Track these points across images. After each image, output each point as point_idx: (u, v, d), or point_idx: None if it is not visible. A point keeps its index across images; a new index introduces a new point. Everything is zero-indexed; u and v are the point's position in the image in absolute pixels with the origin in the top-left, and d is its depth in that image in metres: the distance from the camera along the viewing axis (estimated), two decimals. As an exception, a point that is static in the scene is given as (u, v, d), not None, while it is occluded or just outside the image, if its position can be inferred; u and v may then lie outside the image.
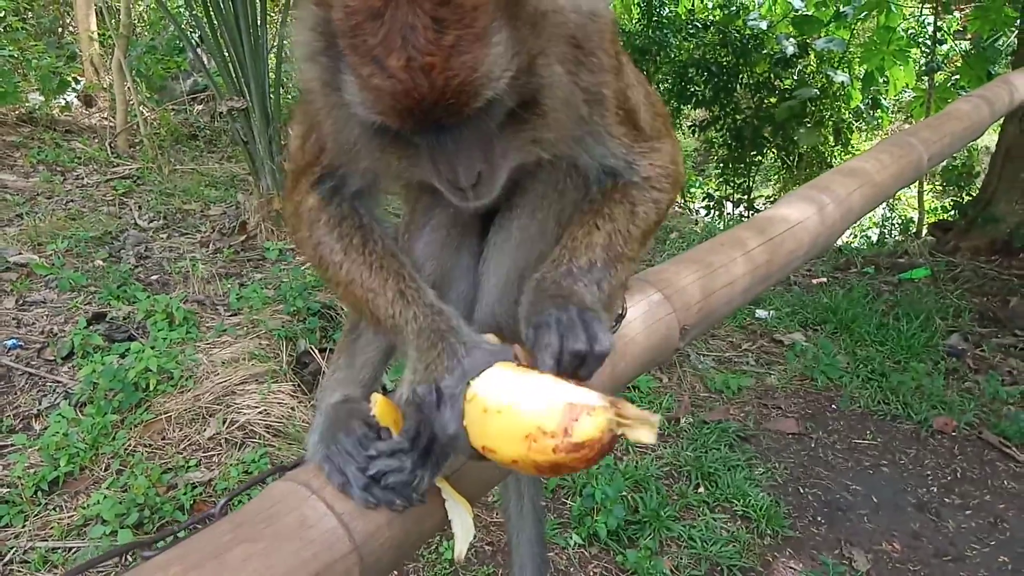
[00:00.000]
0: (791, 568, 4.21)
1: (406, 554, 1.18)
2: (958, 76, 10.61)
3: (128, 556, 3.38)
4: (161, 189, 7.53)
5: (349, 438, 1.16)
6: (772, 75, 11.68)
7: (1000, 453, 5.37)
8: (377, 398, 1.19)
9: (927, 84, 10.71)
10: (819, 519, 4.63)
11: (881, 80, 11.08)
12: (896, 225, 10.67)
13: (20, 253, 5.99)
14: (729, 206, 12.20)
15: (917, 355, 6.45)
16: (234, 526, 1.01)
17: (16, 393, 4.59)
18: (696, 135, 12.96)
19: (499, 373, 1.04)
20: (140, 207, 7.19)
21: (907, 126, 17.26)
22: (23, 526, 3.74)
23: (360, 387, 1.38)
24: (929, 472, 5.15)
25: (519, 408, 0.96)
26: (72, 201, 7.20)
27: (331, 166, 1.24)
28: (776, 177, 12.91)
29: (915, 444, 5.41)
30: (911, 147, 2.52)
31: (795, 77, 11.70)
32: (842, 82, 11.10)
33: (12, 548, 3.63)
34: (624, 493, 4.41)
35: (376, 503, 1.09)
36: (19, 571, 3.54)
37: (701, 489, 4.67)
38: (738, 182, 12.30)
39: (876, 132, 12.90)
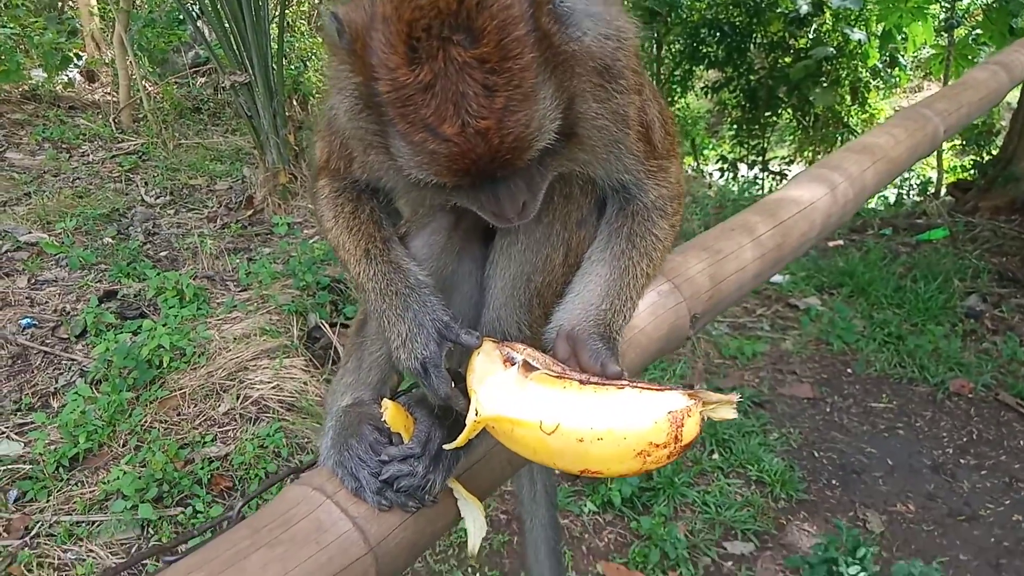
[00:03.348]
0: (805, 531, 4.22)
1: (420, 552, 1.19)
2: (979, 32, 10.33)
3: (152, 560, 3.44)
4: (167, 164, 7.50)
5: (361, 443, 1.17)
6: (787, 34, 11.39)
7: (1017, 414, 5.32)
8: (388, 404, 1.20)
9: (947, 41, 10.43)
10: (833, 482, 4.63)
11: (899, 37, 10.80)
12: (914, 185, 10.48)
13: (30, 232, 6.00)
14: (743, 168, 12.02)
15: (934, 317, 6.38)
16: (252, 531, 1.02)
17: (33, 372, 4.63)
18: (709, 96, 12.73)
19: (550, 393, 1.03)
20: (146, 183, 7.18)
21: (926, 83, 16.88)
22: (47, 501, 3.79)
23: (369, 389, 1.37)
24: (945, 434, 5.12)
25: (622, 429, 0.97)
26: (79, 179, 7.19)
27: (353, 174, 1.29)
28: (791, 138, 12.68)
29: (931, 407, 5.37)
30: (926, 119, 2.44)
31: (810, 36, 11.41)
32: (859, 40, 10.82)
33: (38, 522, 3.69)
34: (638, 461, 4.41)
35: (389, 506, 1.10)
36: (46, 544, 3.61)
37: (715, 455, 4.67)
38: (752, 144, 12.08)
39: (894, 91, 12.62)
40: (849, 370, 5.76)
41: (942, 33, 10.74)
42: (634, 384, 1.04)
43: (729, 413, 1.01)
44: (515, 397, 1.05)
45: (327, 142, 1.31)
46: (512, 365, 1.10)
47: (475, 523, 1.19)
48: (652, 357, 1.62)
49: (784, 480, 4.45)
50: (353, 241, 1.27)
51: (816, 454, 4.85)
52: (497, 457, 1.21)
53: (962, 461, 4.90)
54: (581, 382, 1.05)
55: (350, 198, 1.30)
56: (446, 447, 1.11)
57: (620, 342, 1.25)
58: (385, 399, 1.25)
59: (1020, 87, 8.53)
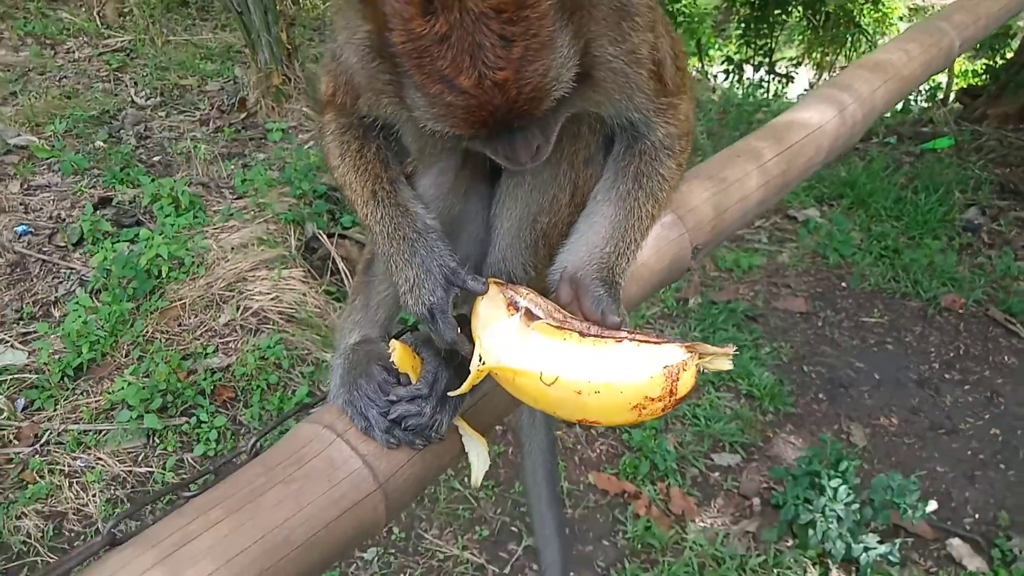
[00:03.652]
0: (790, 443, 4.38)
1: (427, 485, 1.25)
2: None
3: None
4: (156, 63, 7.25)
5: (370, 383, 1.19)
6: (801, -75, 10.82)
7: (1004, 330, 5.42)
8: (396, 345, 1.22)
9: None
10: (821, 396, 4.77)
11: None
12: (923, 91, 10.19)
13: (19, 135, 5.87)
14: (749, 70, 11.66)
15: (932, 230, 6.38)
16: (266, 469, 1.07)
17: (32, 280, 4.65)
18: (717, -8, 12.21)
19: (551, 344, 1.05)
20: (136, 83, 6.96)
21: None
22: (54, 410, 3.91)
23: (377, 327, 1.40)
24: (933, 349, 5.23)
25: (618, 383, 0.99)
26: (65, 77, 6.97)
27: (361, 110, 1.26)
28: (801, 38, 12.24)
29: (921, 322, 5.45)
30: (942, 33, 2.33)
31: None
32: (877, -69, 10.27)
33: (47, 430, 3.81)
34: (631, 374, 4.52)
35: (397, 444, 1.14)
36: (55, 451, 3.74)
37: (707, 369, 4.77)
38: (760, 44, 11.67)
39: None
40: (843, 284, 5.81)
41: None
42: (633, 336, 1.06)
43: (725, 364, 1.04)
44: (517, 346, 1.07)
45: (332, 76, 1.28)
46: (516, 310, 1.11)
47: (479, 457, 1.23)
48: (653, 289, 1.65)
49: (773, 394, 4.57)
50: (360, 181, 1.26)
51: (805, 368, 4.96)
52: (500, 395, 1.26)
53: (947, 376, 5.02)
54: (581, 333, 1.07)
55: (356, 135, 1.28)
56: (451, 394, 1.15)
57: (623, 285, 1.26)
58: (393, 340, 1.27)
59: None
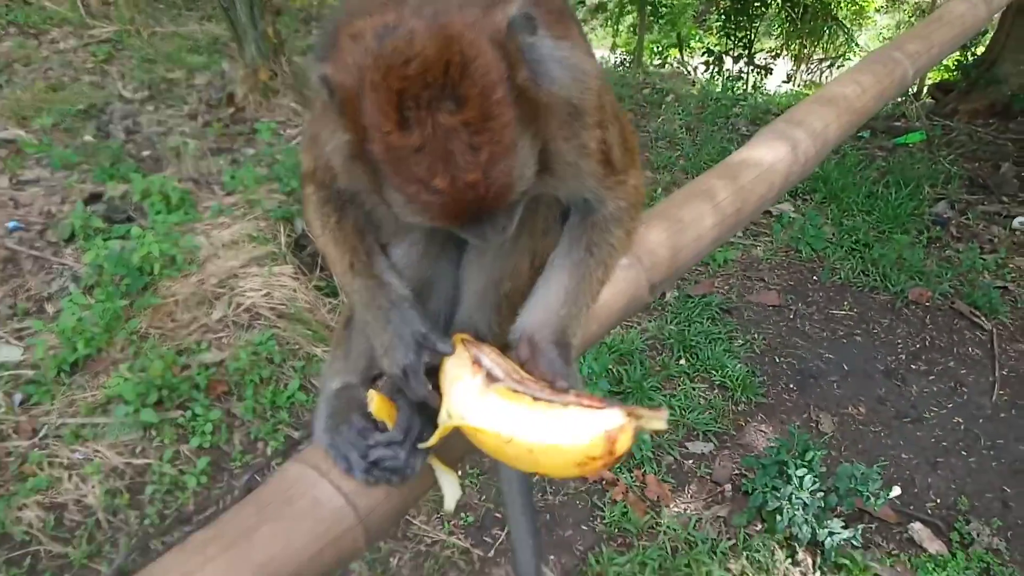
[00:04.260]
0: (761, 432, 4.58)
1: (403, 515, 1.38)
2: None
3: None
4: (143, 55, 7.29)
5: (351, 430, 1.33)
6: (781, -83, 10.95)
7: (969, 322, 5.66)
8: (373, 395, 1.36)
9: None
10: (791, 386, 4.98)
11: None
12: (912, 83, 10.41)
13: (6, 128, 5.92)
14: (729, 62, 11.83)
15: (902, 224, 6.60)
16: (258, 508, 1.19)
17: (25, 276, 4.74)
18: (698, -16, 12.33)
19: (507, 407, 1.21)
20: (123, 76, 7.00)
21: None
22: (52, 404, 4.02)
23: (356, 374, 1.52)
24: (900, 341, 5.45)
25: (564, 445, 1.15)
26: (50, 69, 7.00)
27: (339, 184, 1.36)
28: (779, 31, 12.43)
29: (890, 314, 5.68)
30: (895, 63, 2.46)
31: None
32: (855, -74, 10.43)
33: (44, 424, 3.93)
34: (610, 367, 4.70)
35: (376, 482, 1.28)
36: (54, 444, 3.86)
37: (683, 361, 4.97)
38: (739, 36, 11.85)
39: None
40: (815, 277, 6.02)
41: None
42: (579, 400, 1.21)
43: (660, 425, 1.17)
44: (479, 406, 1.22)
45: (312, 156, 1.39)
46: (480, 368, 1.27)
47: (450, 489, 1.38)
48: (612, 325, 1.76)
49: (745, 385, 4.77)
50: (339, 252, 1.38)
51: (777, 359, 5.17)
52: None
53: (913, 367, 5.25)
54: (534, 397, 1.23)
55: (336, 207, 1.39)
56: (420, 446, 1.29)
57: (575, 344, 1.41)
58: (371, 391, 1.40)
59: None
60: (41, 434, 3.89)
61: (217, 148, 6.06)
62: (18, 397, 4.05)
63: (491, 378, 1.26)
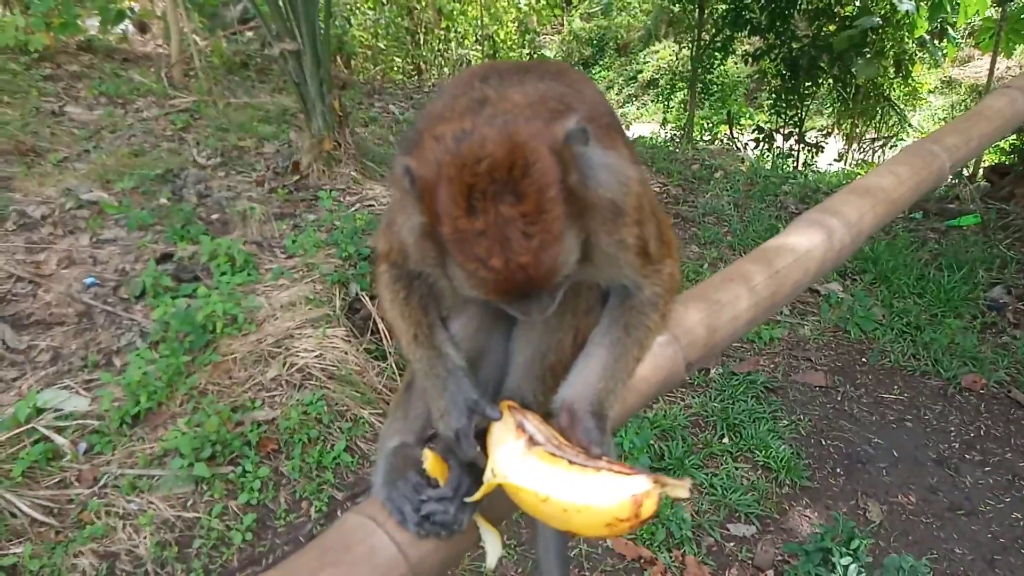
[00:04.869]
0: (806, 517, 4.50)
1: (449, 567, 1.50)
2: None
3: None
4: (217, 124, 7.77)
5: (406, 485, 1.48)
6: (832, 1, 11.18)
7: (1026, 412, 5.49)
8: (428, 454, 1.51)
9: (1000, 14, 10.16)
10: (838, 471, 4.88)
11: (950, 8, 10.54)
12: (948, 176, 10.36)
13: (91, 191, 6.35)
14: (779, 139, 11.95)
15: (955, 308, 6.50)
16: (320, 553, 1.31)
17: (97, 330, 5.02)
18: (749, 63, 12.58)
19: (546, 468, 1.33)
20: (198, 143, 7.47)
21: (976, 52, 16.34)
22: (112, 454, 4.21)
23: (413, 434, 1.69)
24: (953, 429, 5.32)
25: (596, 506, 1.27)
26: (134, 136, 7.51)
27: (409, 266, 1.55)
28: (831, 110, 12.54)
29: (941, 400, 5.56)
30: (933, 156, 2.53)
31: (857, 4, 11.18)
32: (907, 11, 10.59)
33: (105, 474, 4.11)
34: (651, 442, 4.71)
35: (427, 534, 1.40)
36: (112, 494, 4.03)
37: (726, 439, 4.94)
38: (790, 114, 11.99)
39: (940, 64, 12.32)
40: (864, 359, 5.95)
41: (997, 7, 10.44)
42: (610, 467, 1.33)
43: (683, 493, 1.29)
44: (520, 467, 1.35)
45: (387, 238, 1.57)
46: (523, 433, 1.40)
47: (492, 546, 1.50)
48: (649, 399, 1.87)
49: (790, 467, 4.71)
50: (405, 325, 1.56)
51: (823, 442, 5.09)
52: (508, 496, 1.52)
53: (967, 456, 5.10)
54: (570, 461, 1.34)
55: (405, 285, 1.57)
56: (467, 499, 1.42)
57: (610, 417, 1.52)
58: (426, 450, 1.55)
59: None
60: (101, 483, 4.07)
61: (281, 213, 6.38)
62: (83, 446, 4.25)
63: (532, 442, 1.38)
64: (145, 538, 3.85)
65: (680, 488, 1.27)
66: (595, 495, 1.27)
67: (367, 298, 5.26)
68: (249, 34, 9.93)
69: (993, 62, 10.98)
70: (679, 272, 1.64)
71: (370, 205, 6.59)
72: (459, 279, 1.28)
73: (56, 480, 4.04)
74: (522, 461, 1.34)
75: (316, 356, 4.79)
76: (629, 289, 1.54)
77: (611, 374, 1.52)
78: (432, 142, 1.24)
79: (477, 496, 1.38)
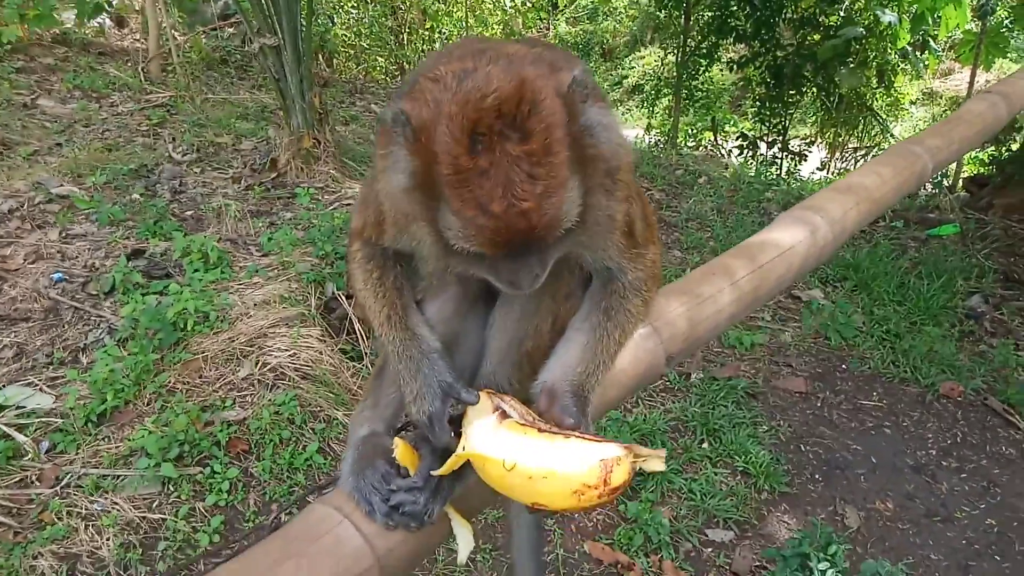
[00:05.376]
0: (784, 522, 4.46)
1: (419, 561, 1.43)
2: (1013, 20, 10.17)
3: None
4: (194, 120, 7.65)
5: (375, 475, 1.40)
6: (817, 11, 11.26)
7: (1003, 420, 5.50)
8: (398, 442, 1.43)
9: (979, 28, 10.28)
10: (817, 477, 4.85)
11: (931, 20, 10.64)
12: (930, 178, 10.45)
13: (62, 185, 6.21)
14: (763, 147, 12.00)
15: (934, 317, 6.52)
16: (284, 543, 1.26)
17: (64, 326, 4.89)
18: (734, 71, 12.63)
19: (514, 438, 1.26)
20: (174, 139, 7.35)
21: (957, 65, 16.56)
22: (76, 453, 4.08)
23: (383, 423, 1.62)
24: (930, 436, 5.31)
25: (562, 472, 1.20)
26: (108, 130, 7.37)
27: (384, 242, 1.49)
28: (814, 118, 12.63)
29: (920, 407, 5.55)
30: (915, 157, 2.52)
31: (841, 14, 11.26)
32: (889, 22, 10.68)
33: (68, 473, 3.98)
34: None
35: (395, 526, 1.34)
36: (75, 494, 3.91)
37: (705, 444, 4.90)
38: (774, 122, 12.06)
39: (922, 75, 12.45)
40: (844, 366, 5.93)
41: (977, 20, 10.56)
42: (581, 435, 1.26)
43: (658, 465, 1.24)
44: (489, 438, 1.28)
45: (363, 214, 1.52)
46: (498, 410, 1.33)
47: (464, 540, 1.42)
48: (630, 392, 1.82)
49: (769, 472, 4.67)
50: (378, 306, 1.49)
51: (803, 448, 5.06)
52: (482, 487, 1.45)
53: (944, 463, 5.10)
54: (539, 430, 1.28)
55: (379, 264, 1.51)
56: (432, 473, 1.34)
57: (592, 400, 1.46)
58: (396, 438, 1.47)
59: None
60: (63, 483, 3.95)
61: (257, 211, 6.28)
62: (45, 444, 4.12)
63: (504, 416, 1.32)
64: (108, 540, 3.73)
65: (655, 459, 1.22)
66: (563, 461, 1.20)
67: (343, 297, 5.17)
68: (230, 30, 9.80)
69: (973, 75, 11.11)
70: (660, 259, 1.59)
71: (349, 203, 6.49)
72: (453, 230, 1.20)
73: (16, 479, 3.92)
74: (492, 434, 1.28)
75: (290, 355, 4.69)
76: (612, 272, 1.49)
77: (591, 357, 1.46)
78: (430, 83, 1.18)
79: (443, 469, 1.31)
